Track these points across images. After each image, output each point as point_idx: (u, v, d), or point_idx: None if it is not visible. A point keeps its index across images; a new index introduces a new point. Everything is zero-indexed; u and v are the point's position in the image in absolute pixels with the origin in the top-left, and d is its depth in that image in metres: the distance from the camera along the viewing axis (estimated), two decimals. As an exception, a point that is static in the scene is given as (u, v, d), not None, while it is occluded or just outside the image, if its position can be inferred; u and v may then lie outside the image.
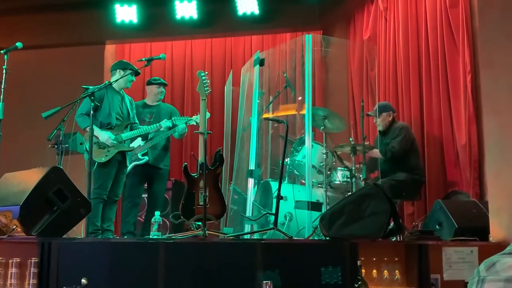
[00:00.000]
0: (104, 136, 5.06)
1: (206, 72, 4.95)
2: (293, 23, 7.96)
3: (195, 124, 5.60)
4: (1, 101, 4.65)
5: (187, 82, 8.20)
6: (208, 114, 5.33)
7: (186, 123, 5.66)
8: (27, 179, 3.96)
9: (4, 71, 4.69)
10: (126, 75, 5.33)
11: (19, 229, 3.72)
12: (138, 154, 5.60)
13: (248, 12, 7.70)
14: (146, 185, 6.01)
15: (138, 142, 5.52)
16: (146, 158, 5.72)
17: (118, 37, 8.30)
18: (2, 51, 4.79)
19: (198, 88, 4.87)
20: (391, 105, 5.93)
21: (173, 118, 5.60)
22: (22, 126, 7.52)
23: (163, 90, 6.18)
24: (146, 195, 6.24)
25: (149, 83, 6.19)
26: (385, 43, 6.65)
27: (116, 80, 5.31)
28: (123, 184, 5.42)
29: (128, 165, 5.46)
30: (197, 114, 5.56)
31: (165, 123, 5.53)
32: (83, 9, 8.05)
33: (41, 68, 8.05)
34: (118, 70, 5.44)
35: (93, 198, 4.55)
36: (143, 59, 5.28)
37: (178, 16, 7.83)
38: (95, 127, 4.82)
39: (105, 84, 5.18)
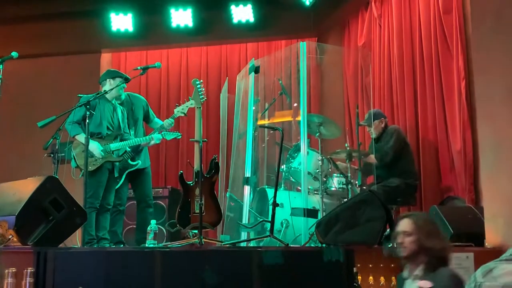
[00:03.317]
0: (92, 146, 5.01)
1: (201, 80, 4.96)
2: (288, 31, 7.98)
3: (183, 115, 5.48)
4: (-3, 111, 4.66)
5: (182, 90, 8.20)
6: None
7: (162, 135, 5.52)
8: (23, 189, 3.96)
9: (-1, 81, 4.69)
10: (117, 85, 5.28)
11: (15, 239, 3.72)
12: (128, 160, 5.45)
13: (243, 20, 7.72)
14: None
15: (124, 148, 5.35)
16: (139, 162, 5.52)
17: (113, 46, 8.30)
18: (-3, 61, 4.79)
19: (193, 96, 4.88)
20: (382, 112, 5.94)
21: (162, 133, 5.47)
22: (17, 136, 7.52)
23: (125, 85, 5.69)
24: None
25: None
26: (379, 49, 6.68)
27: (111, 89, 5.27)
28: (114, 192, 5.34)
29: (116, 174, 5.36)
30: (179, 105, 5.45)
31: (157, 135, 5.44)
32: (79, 18, 8.06)
33: (36, 77, 8.04)
34: (108, 80, 5.40)
35: (86, 208, 4.51)
36: (139, 67, 5.27)
37: (174, 24, 7.85)
38: (85, 136, 4.74)
39: (99, 93, 5.12)
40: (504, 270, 1.39)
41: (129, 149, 5.38)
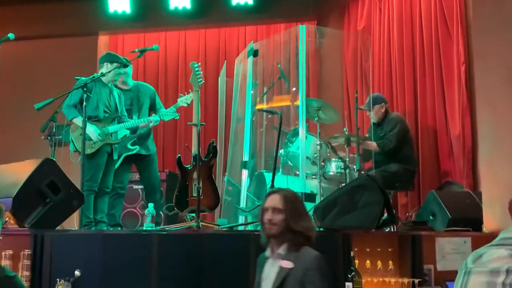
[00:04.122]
0: (89, 129, 5.00)
1: (199, 63, 4.92)
2: (287, 14, 7.92)
3: (186, 105, 5.47)
4: (-7, 93, 4.63)
5: (180, 73, 8.16)
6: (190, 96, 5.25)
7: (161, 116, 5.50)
8: (20, 171, 3.95)
9: (-5, 63, 4.66)
10: (113, 69, 5.25)
11: (11, 221, 3.72)
12: (127, 145, 5.48)
13: (242, 3, 7.65)
14: (138, 176, 5.93)
15: (124, 132, 5.37)
16: (137, 147, 5.55)
17: (111, 28, 8.24)
18: (-7, 42, 4.75)
19: (191, 80, 4.85)
20: (383, 96, 5.91)
21: (160, 114, 5.48)
22: (14, 118, 7.48)
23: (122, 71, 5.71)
24: (141, 186, 6.20)
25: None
26: (379, 33, 6.64)
27: (106, 73, 5.24)
28: (114, 175, 5.35)
29: (116, 157, 5.36)
30: (183, 95, 5.45)
31: (155, 117, 5.45)
32: (76, 0, 7.99)
33: (33, 59, 7.98)
34: (105, 63, 5.37)
35: (84, 190, 4.51)
36: (136, 50, 5.23)
37: (172, 6, 7.78)
38: (82, 119, 4.74)
39: (94, 77, 5.09)
40: (493, 255, 1.39)
41: (129, 134, 5.39)
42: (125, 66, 5.42)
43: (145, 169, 5.70)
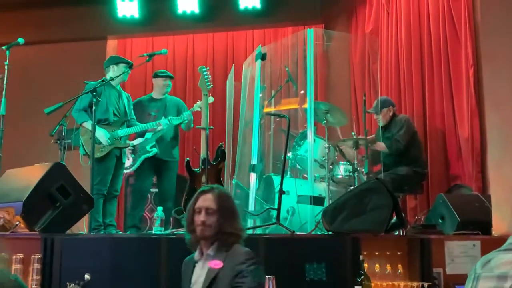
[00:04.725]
0: (99, 133, 5.03)
1: (208, 67, 4.95)
2: (295, 17, 7.93)
3: (199, 109, 5.53)
4: (4, 97, 4.67)
5: (188, 77, 8.19)
6: (211, 99, 5.30)
7: (181, 121, 5.59)
8: (30, 175, 3.97)
9: (6, 67, 4.70)
10: (123, 73, 5.29)
11: (22, 225, 3.73)
12: (147, 147, 5.55)
13: (250, 7, 7.67)
14: (155, 179, 5.98)
15: (138, 140, 5.50)
16: (155, 150, 5.61)
17: (119, 32, 8.29)
18: (3, 47, 4.80)
19: (200, 84, 4.88)
20: (391, 100, 5.90)
21: (168, 118, 5.53)
22: (24, 122, 7.53)
23: (169, 83, 6.04)
24: (156, 190, 6.24)
25: (155, 76, 6.05)
26: (387, 36, 6.63)
27: (117, 76, 5.27)
28: (122, 179, 5.41)
29: (124, 160, 5.42)
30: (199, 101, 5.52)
31: (164, 121, 5.48)
32: (85, 4, 8.04)
33: (43, 63, 8.04)
34: (111, 66, 5.40)
35: (93, 194, 4.54)
36: (145, 54, 5.27)
37: (180, 10, 7.82)
38: (92, 123, 4.78)
39: (103, 80, 5.13)
40: (501, 260, 1.39)
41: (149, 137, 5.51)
42: (131, 66, 5.46)
43: (162, 174, 5.77)
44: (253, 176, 5.74)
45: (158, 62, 8.06)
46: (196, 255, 2.91)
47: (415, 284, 3.66)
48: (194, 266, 2.92)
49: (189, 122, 5.65)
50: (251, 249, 3.57)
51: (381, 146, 5.55)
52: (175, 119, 5.51)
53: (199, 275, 2.87)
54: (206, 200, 2.89)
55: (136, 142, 5.60)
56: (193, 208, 2.91)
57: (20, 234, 3.74)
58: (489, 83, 4.86)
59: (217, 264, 2.78)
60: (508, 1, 4.55)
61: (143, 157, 5.56)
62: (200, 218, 2.86)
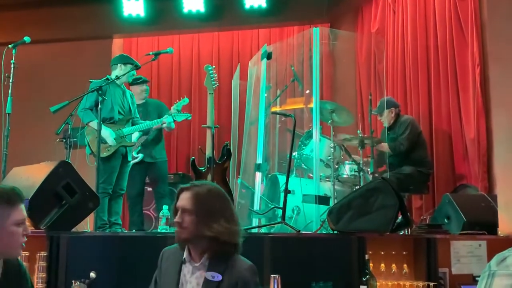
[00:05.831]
0: (105, 132, 5.04)
1: (214, 66, 4.94)
2: (301, 16, 7.92)
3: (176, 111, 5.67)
4: (10, 96, 4.67)
5: (194, 76, 8.20)
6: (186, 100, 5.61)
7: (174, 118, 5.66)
8: (36, 173, 3.98)
9: (12, 66, 4.70)
10: (128, 72, 5.32)
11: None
12: (133, 153, 5.63)
13: (256, 6, 7.67)
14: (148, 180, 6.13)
15: (136, 135, 5.53)
16: (141, 155, 5.82)
17: (125, 31, 8.30)
18: (10, 46, 4.80)
19: (206, 82, 4.87)
20: (394, 100, 5.89)
21: (173, 115, 5.57)
22: (30, 121, 7.55)
23: (146, 87, 6.23)
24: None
25: (131, 83, 6.02)
26: (393, 35, 6.61)
27: (122, 75, 5.28)
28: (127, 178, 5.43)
29: (130, 159, 5.46)
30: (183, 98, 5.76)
31: (168, 119, 5.51)
32: (91, 3, 8.06)
33: (49, 62, 8.07)
34: (119, 65, 5.41)
35: (99, 193, 4.55)
36: (150, 53, 5.26)
37: (186, 10, 7.82)
38: (97, 123, 4.79)
39: (107, 78, 5.15)
40: None
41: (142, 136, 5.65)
42: (137, 67, 5.47)
43: (156, 175, 6.00)
44: (258, 175, 5.74)
45: (163, 61, 8.09)
46: (186, 255, 2.62)
47: (420, 283, 3.65)
48: (180, 266, 2.63)
49: (170, 124, 5.66)
50: (256, 248, 3.57)
51: (384, 147, 5.55)
52: (179, 116, 5.57)
53: (189, 278, 2.58)
54: (182, 199, 2.59)
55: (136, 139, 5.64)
56: (175, 207, 2.63)
57: (26, 232, 3.74)
58: (496, 83, 4.84)
59: (215, 276, 2.50)
60: (515, 1, 4.53)
61: (131, 163, 5.54)
62: (175, 219, 2.58)
